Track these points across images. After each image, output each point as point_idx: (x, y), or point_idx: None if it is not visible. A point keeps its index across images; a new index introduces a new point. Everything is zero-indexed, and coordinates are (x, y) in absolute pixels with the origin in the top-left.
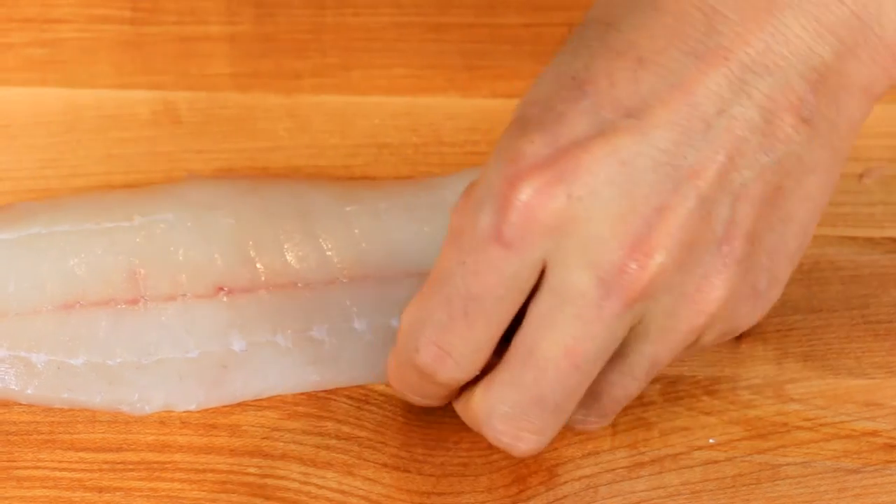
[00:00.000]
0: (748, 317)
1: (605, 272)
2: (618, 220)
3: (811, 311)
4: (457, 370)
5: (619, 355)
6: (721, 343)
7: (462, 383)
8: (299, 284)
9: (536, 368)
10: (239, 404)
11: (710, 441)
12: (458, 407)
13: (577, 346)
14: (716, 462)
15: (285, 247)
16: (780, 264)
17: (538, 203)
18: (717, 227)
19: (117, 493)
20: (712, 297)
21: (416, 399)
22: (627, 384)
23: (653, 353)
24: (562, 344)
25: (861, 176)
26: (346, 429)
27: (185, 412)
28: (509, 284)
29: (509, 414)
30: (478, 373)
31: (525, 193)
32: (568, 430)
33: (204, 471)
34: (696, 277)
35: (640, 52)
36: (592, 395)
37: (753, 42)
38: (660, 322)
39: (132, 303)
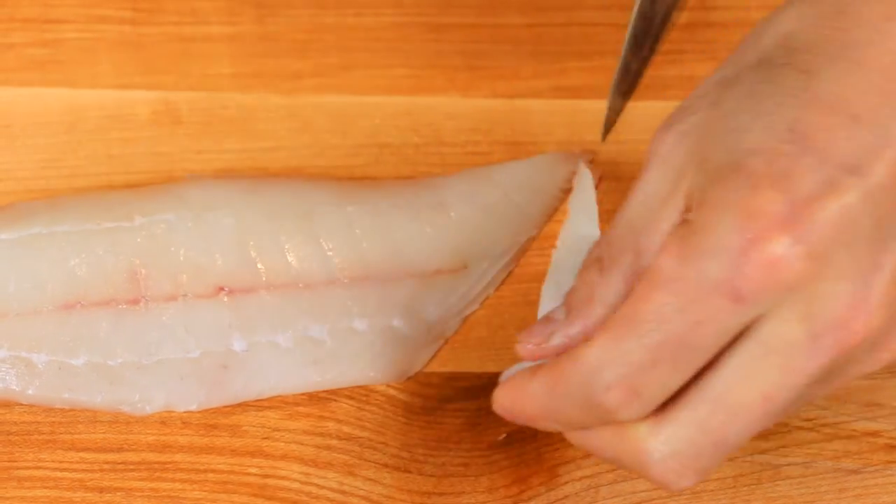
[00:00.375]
0: None
1: (822, 327)
2: (842, 277)
3: None
4: (640, 410)
5: None
6: None
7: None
8: (300, 284)
9: (728, 413)
10: (240, 404)
11: None
12: (599, 438)
13: (777, 395)
14: None
15: (286, 247)
16: None
17: (777, 261)
18: None
19: (118, 494)
20: None
21: (538, 423)
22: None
23: (820, 395)
24: (760, 392)
25: None
26: (346, 429)
27: (185, 412)
28: (725, 336)
29: (683, 453)
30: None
31: (765, 251)
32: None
33: (205, 471)
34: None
35: (853, 108)
36: None
37: None
38: (850, 372)
39: (133, 303)
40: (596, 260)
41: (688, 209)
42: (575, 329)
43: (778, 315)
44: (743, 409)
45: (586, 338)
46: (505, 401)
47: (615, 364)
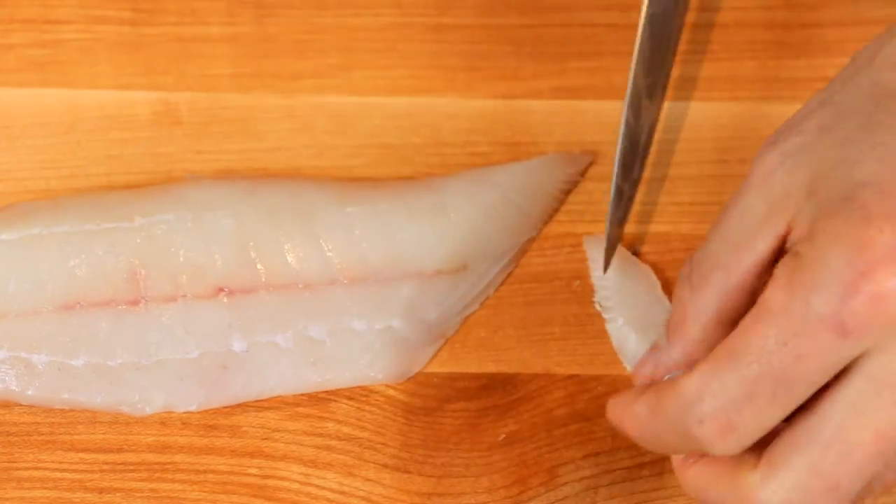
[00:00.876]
0: None
1: None
2: None
3: None
4: (736, 446)
5: None
6: None
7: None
8: (300, 285)
9: (839, 453)
10: (239, 405)
11: None
12: (714, 480)
13: (891, 432)
14: None
15: (286, 247)
16: None
17: (887, 295)
18: None
19: (118, 494)
20: None
21: (637, 439)
22: None
23: None
24: (873, 429)
25: None
26: (346, 429)
27: (185, 413)
28: (828, 372)
29: (795, 500)
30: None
31: (875, 284)
32: (570, 433)
33: (204, 471)
34: None
35: None
36: None
37: None
38: None
39: (133, 303)
40: (687, 278)
41: (788, 234)
42: (675, 353)
43: (887, 349)
44: (856, 448)
45: (689, 361)
46: (612, 416)
47: (711, 397)
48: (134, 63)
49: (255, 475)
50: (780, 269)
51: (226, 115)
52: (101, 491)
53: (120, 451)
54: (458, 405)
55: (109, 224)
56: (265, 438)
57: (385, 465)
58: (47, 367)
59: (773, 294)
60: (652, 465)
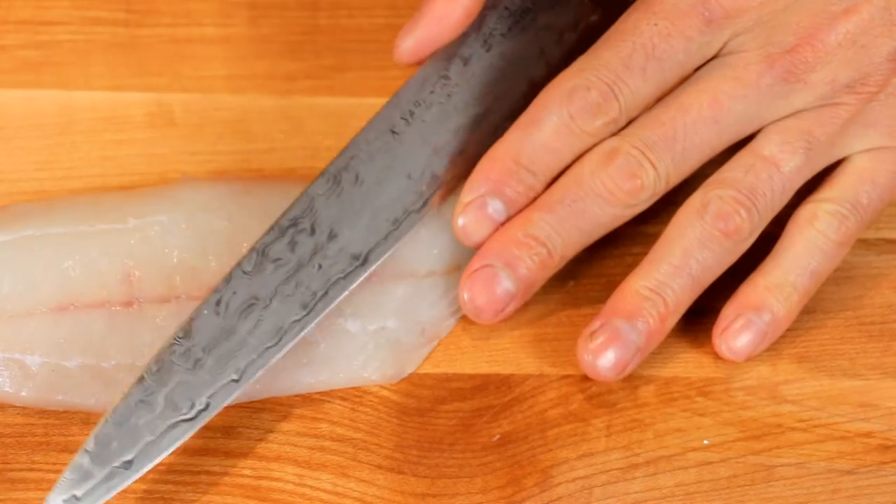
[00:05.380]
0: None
1: (777, 51)
2: (809, 13)
3: (805, 313)
4: (617, 112)
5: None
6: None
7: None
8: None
9: (679, 108)
10: (233, 406)
11: (705, 442)
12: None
13: (725, 100)
14: (710, 463)
15: None
16: None
17: None
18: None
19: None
20: (864, 96)
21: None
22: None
23: (807, 129)
24: (711, 93)
25: None
26: (340, 430)
27: None
28: (693, 54)
29: (640, 146)
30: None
31: None
32: (564, 433)
33: (198, 472)
34: (860, 75)
35: None
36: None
37: None
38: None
39: (126, 305)
40: None
41: None
42: None
43: (743, 42)
44: (693, 106)
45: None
46: (478, 176)
47: (593, 68)
48: (128, 64)
49: (249, 476)
50: None
51: (220, 116)
52: None
53: None
54: (451, 406)
55: (103, 225)
56: (259, 439)
57: (379, 466)
58: (41, 368)
59: None
60: (646, 466)
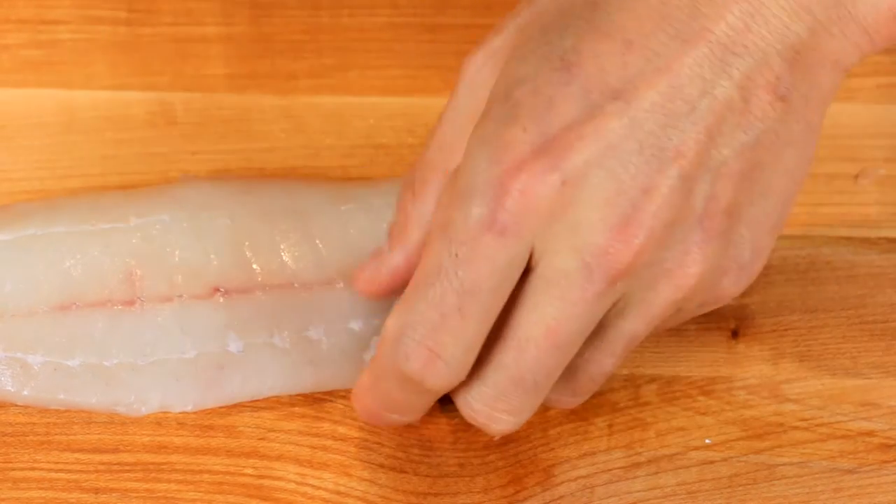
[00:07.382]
0: (731, 288)
1: (591, 255)
2: (605, 203)
3: (807, 312)
4: (447, 373)
5: (596, 333)
6: (716, 341)
7: (448, 390)
8: (295, 285)
9: (517, 349)
10: (235, 405)
11: (707, 441)
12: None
13: (559, 327)
14: (712, 462)
15: (281, 247)
16: (762, 236)
17: (533, 191)
18: (698, 203)
19: (113, 495)
20: (692, 271)
21: (389, 418)
22: (604, 361)
23: (631, 329)
24: (543, 325)
25: (856, 176)
26: (342, 429)
27: (181, 413)
28: (503, 273)
29: (487, 394)
30: (464, 377)
31: (520, 182)
32: (565, 432)
33: (200, 472)
34: (677, 253)
35: (627, 34)
36: (569, 373)
37: (733, 23)
38: (639, 297)
39: (128, 304)
40: (409, 185)
41: None
42: (397, 257)
43: (551, 247)
44: (531, 343)
45: (410, 266)
46: (356, 405)
47: (410, 328)
48: (129, 63)
49: (250, 475)
50: (445, 185)
51: (221, 115)
52: (97, 491)
53: (116, 451)
54: (453, 405)
55: (105, 224)
56: (261, 438)
57: (381, 465)
58: (43, 367)
59: (438, 212)
60: (648, 465)
